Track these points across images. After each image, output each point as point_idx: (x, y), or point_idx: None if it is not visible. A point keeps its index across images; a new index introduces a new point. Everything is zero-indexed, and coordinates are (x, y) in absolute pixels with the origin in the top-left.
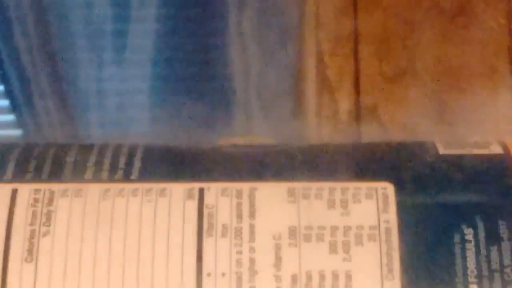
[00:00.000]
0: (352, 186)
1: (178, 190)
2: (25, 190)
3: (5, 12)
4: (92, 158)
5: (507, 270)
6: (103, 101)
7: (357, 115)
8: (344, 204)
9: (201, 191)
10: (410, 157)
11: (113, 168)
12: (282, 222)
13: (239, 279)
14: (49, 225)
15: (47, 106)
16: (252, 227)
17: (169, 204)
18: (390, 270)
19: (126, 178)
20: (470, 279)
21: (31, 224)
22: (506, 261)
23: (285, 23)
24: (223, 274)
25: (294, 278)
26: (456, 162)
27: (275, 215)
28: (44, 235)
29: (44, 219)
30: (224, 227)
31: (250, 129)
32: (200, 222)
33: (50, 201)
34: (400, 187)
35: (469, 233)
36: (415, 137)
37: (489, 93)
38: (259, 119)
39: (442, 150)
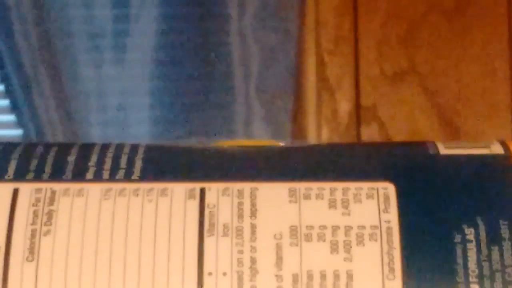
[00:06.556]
0: (353, 186)
1: (179, 190)
2: (27, 189)
3: (5, 12)
4: (93, 158)
5: (508, 270)
6: (103, 101)
7: (357, 115)
8: (345, 204)
9: (202, 191)
10: (411, 157)
11: (115, 167)
12: (283, 222)
13: (240, 278)
14: (50, 225)
15: (47, 106)
16: (253, 227)
17: (170, 204)
18: (391, 270)
19: (128, 178)
20: (471, 279)
21: (33, 223)
22: (508, 261)
23: (285, 23)
24: (224, 274)
25: (295, 278)
26: (457, 162)
27: (276, 214)
28: (45, 234)
29: (45, 219)
30: (225, 226)
31: (250, 129)
32: (201, 222)
33: (51, 200)
34: (401, 187)
35: (470, 233)
36: (415, 137)
37: (489, 93)
38: (259, 119)
39: (442, 150)
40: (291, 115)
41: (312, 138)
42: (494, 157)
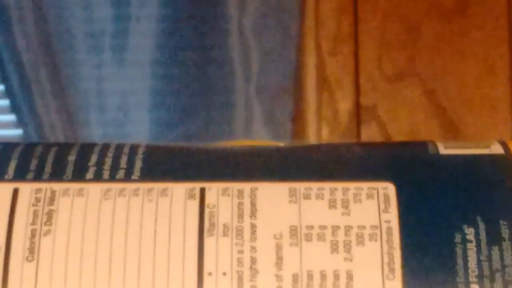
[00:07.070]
0: (353, 186)
1: (179, 190)
2: (27, 189)
3: (5, 12)
4: (94, 158)
5: (509, 270)
6: (103, 101)
7: (357, 115)
8: (345, 204)
9: (202, 190)
10: (411, 157)
11: (115, 167)
12: (283, 222)
13: (240, 278)
14: (50, 225)
15: (47, 106)
16: (253, 227)
17: (170, 204)
18: (391, 270)
19: (128, 177)
20: (471, 279)
21: (33, 223)
22: (508, 261)
23: (285, 23)
24: (224, 274)
25: (295, 278)
26: (457, 162)
27: (276, 214)
28: (45, 234)
29: (45, 219)
30: (225, 226)
31: (250, 129)
32: (201, 222)
33: (51, 200)
34: (401, 187)
35: (470, 233)
36: (415, 137)
37: (489, 93)
38: (259, 119)
39: (442, 150)
40: (291, 115)
41: (312, 138)
42: (494, 157)
